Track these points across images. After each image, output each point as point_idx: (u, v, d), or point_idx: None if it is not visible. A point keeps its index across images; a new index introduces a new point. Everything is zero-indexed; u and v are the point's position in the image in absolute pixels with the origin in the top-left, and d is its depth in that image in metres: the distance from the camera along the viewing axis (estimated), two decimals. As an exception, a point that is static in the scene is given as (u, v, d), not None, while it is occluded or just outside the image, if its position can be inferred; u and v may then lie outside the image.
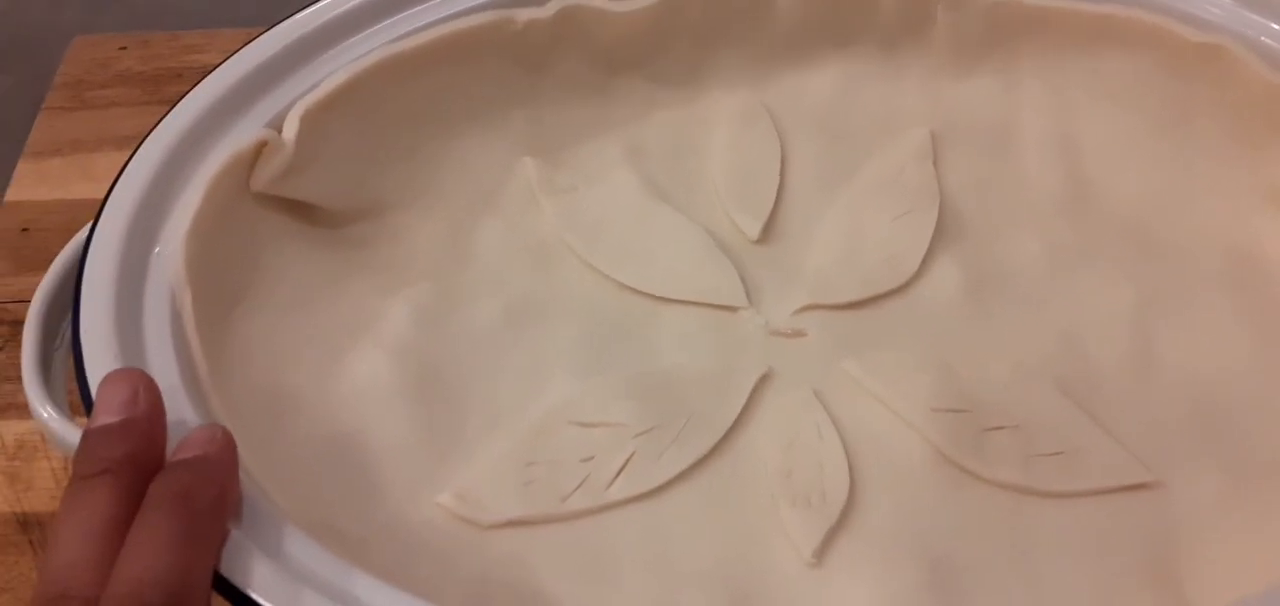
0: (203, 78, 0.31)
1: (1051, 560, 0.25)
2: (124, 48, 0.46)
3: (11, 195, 0.40)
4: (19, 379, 0.28)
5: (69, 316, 0.26)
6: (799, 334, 0.30)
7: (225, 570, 0.21)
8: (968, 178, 0.34)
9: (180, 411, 0.24)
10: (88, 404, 0.23)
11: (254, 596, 0.20)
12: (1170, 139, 0.33)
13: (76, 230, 0.28)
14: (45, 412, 0.25)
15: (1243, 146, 0.32)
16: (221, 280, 0.28)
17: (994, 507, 0.26)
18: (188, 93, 0.30)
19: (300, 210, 0.31)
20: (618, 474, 0.26)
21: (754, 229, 0.32)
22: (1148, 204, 0.33)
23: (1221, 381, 0.29)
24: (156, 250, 0.27)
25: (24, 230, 0.38)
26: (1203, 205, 0.32)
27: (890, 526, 0.26)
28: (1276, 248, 0.31)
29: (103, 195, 0.28)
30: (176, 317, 0.26)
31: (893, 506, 0.26)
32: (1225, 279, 0.31)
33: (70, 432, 0.24)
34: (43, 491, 0.30)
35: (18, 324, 0.33)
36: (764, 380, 0.29)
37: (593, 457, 0.27)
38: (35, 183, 0.40)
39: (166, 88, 0.43)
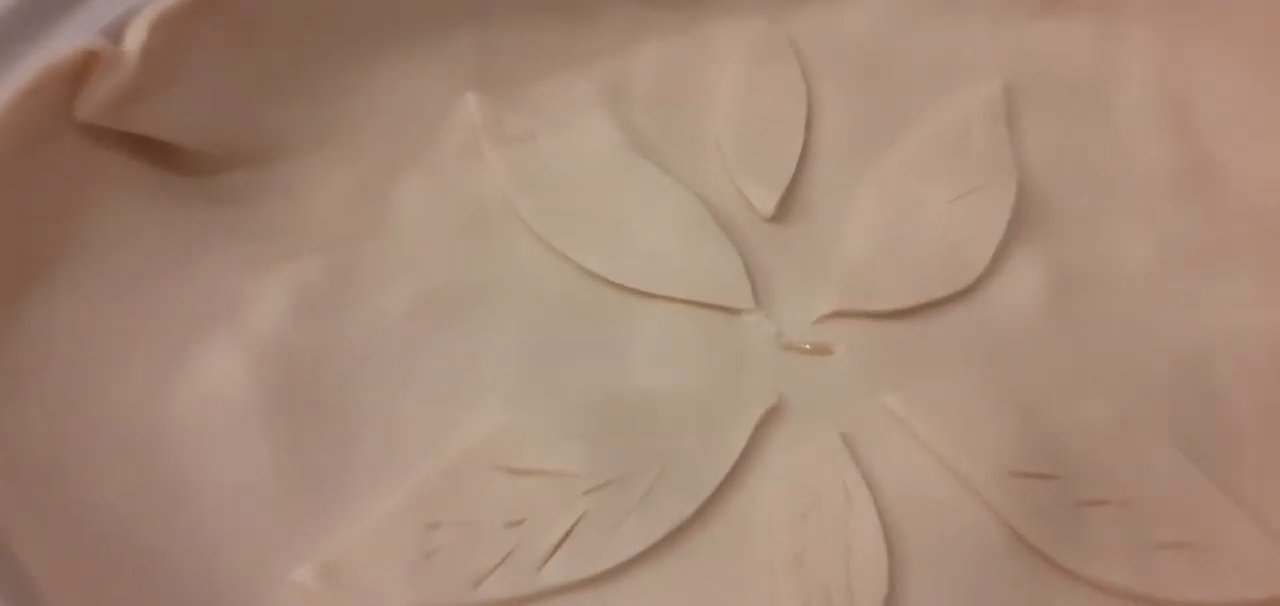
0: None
1: None
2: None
3: None
4: None
5: None
6: (823, 351, 0.23)
7: None
8: (1052, 147, 0.27)
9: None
10: None
11: None
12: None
13: None
14: None
15: None
16: (17, 243, 0.21)
17: None
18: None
19: (146, 150, 0.23)
20: (557, 547, 0.19)
21: (768, 203, 0.25)
22: None
23: None
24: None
25: None
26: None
27: None
28: None
29: None
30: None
31: None
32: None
33: None
34: None
35: None
36: (772, 415, 0.22)
37: (523, 521, 0.20)
38: None
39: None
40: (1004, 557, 0.20)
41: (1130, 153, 0.27)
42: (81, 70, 0.22)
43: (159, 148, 0.23)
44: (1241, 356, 0.23)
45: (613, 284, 0.24)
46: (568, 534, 0.19)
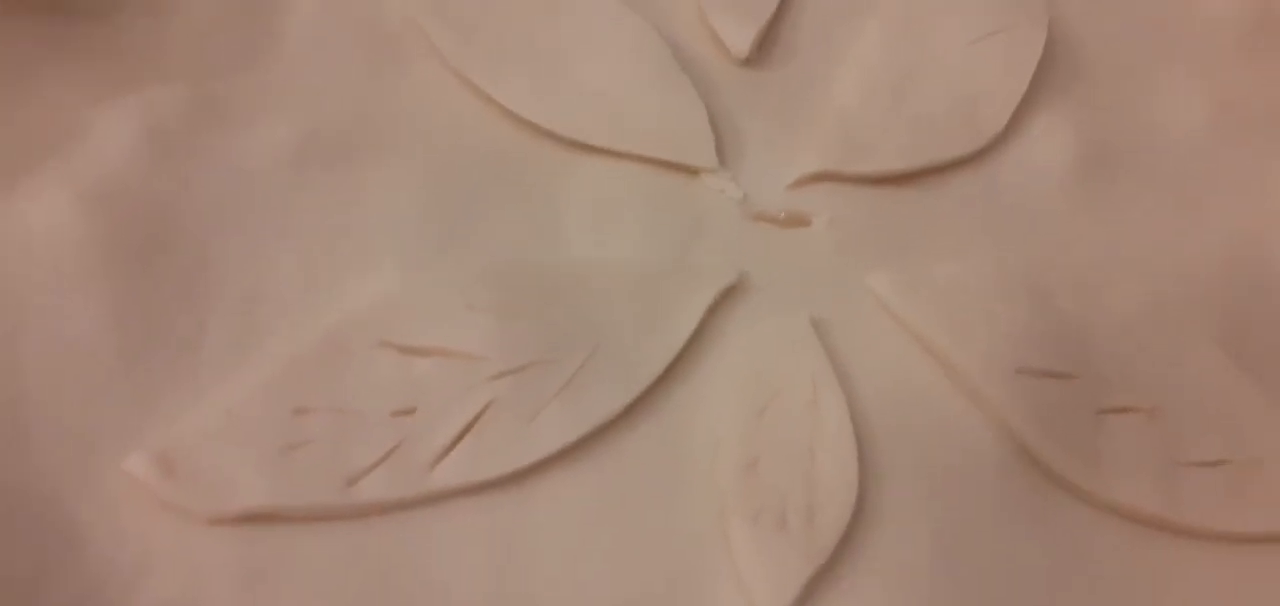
0: None
1: None
2: None
3: None
4: None
5: None
6: (798, 221, 0.20)
7: None
8: None
9: None
10: None
11: None
12: None
13: None
14: None
15: None
16: None
17: (1110, 547, 0.17)
18: None
19: None
20: (454, 442, 0.16)
21: (742, 41, 0.22)
22: None
23: None
24: None
25: None
26: None
27: (926, 576, 0.16)
28: None
29: None
30: None
31: (932, 538, 0.16)
32: None
33: None
34: None
35: None
36: (730, 294, 0.19)
37: (413, 410, 0.17)
38: None
39: None
40: (1002, 472, 0.17)
41: None
42: None
43: None
44: None
45: (543, 130, 0.20)
46: (468, 427, 0.16)
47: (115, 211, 0.18)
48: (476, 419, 0.16)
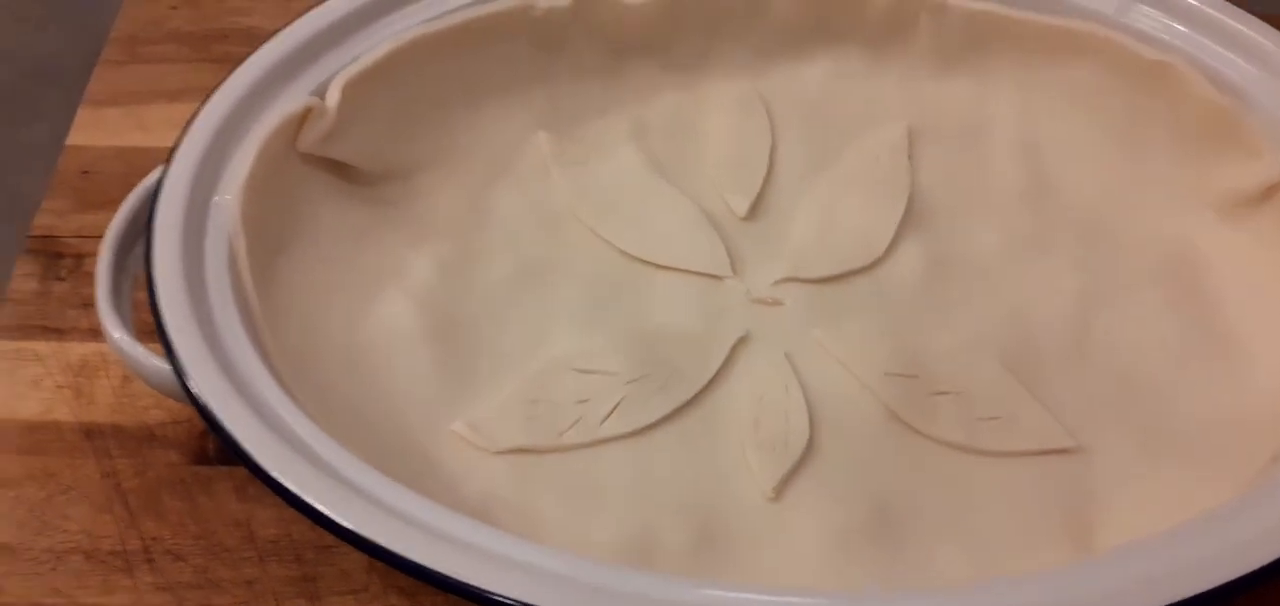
0: (247, 38, 0.34)
1: (983, 509, 0.28)
2: (174, 7, 0.49)
3: (72, 140, 0.43)
4: (81, 306, 0.32)
5: (139, 249, 0.29)
6: (776, 303, 0.33)
7: (269, 469, 0.24)
8: (939, 170, 0.36)
9: (237, 342, 0.28)
10: (160, 328, 0.27)
11: (295, 490, 0.24)
12: (1125, 145, 0.36)
13: (131, 175, 0.32)
14: (118, 335, 0.29)
15: (1189, 156, 0.35)
16: (270, 229, 0.31)
17: (936, 462, 0.29)
18: (243, 60, 0.34)
19: (339, 170, 0.34)
20: (609, 414, 0.29)
21: (743, 206, 0.35)
22: (1101, 203, 0.35)
23: (1148, 365, 0.31)
24: (216, 198, 0.31)
25: (83, 173, 0.41)
26: (1150, 207, 0.35)
27: (842, 473, 0.29)
28: (1209, 247, 0.34)
29: (153, 144, 0.32)
30: (232, 259, 0.30)
31: (846, 456, 0.29)
32: (1162, 274, 0.34)
33: (139, 352, 0.28)
34: (104, 405, 0.33)
35: (79, 257, 0.37)
36: (742, 342, 0.32)
37: (588, 400, 0.30)
38: (93, 129, 0.43)
39: (213, 46, 0.46)
40: (882, 425, 0.29)
41: (993, 176, 0.35)
42: (302, 119, 0.33)
43: (343, 168, 0.34)
44: (1049, 308, 0.33)
45: (638, 259, 0.33)
46: (615, 407, 0.29)
47: (426, 309, 0.32)
48: (618, 404, 0.29)
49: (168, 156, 0.31)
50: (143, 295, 0.29)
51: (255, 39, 0.35)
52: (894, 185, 0.35)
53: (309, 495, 0.24)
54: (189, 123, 0.32)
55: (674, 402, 0.30)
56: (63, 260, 0.38)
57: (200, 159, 0.31)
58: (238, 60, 0.34)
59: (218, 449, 0.31)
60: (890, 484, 0.29)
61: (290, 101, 0.33)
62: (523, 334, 0.32)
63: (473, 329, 0.32)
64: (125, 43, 0.47)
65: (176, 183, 0.30)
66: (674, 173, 0.36)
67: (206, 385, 0.26)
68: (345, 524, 0.24)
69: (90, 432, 0.33)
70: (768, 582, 0.27)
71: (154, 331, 0.28)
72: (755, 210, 0.35)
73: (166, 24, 0.48)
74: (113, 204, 0.31)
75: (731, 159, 0.36)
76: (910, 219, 0.35)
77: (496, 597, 0.22)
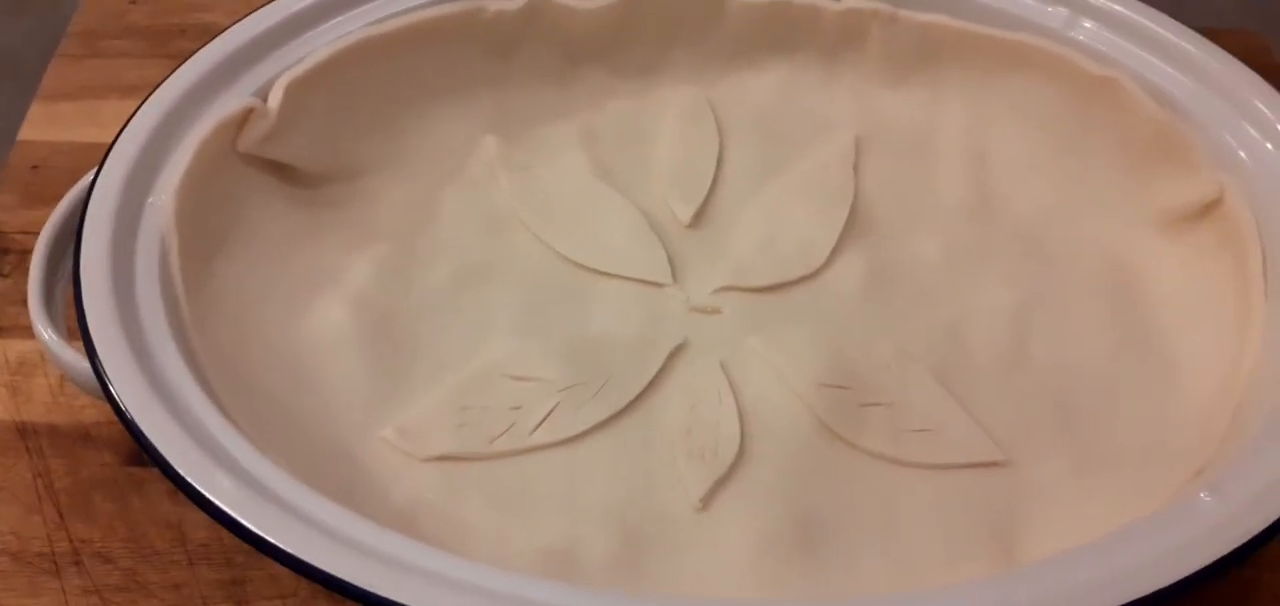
0: (205, 34, 0.34)
1: (908, 520, 0.28)
2: (134, 2, 0.49)
3: (23, 134, 0.43)
4: (22, 303, 0.32)
5: (71, 251, 0.29)
6: (715, 311, 0.33)
7: (198, 485, 0.24)
8: (884, 180, 0.36)
9: (162, 345, 0.27)
10: (83, 328, 0.27)
11: (221, 506, 0.24)
12: (1069, 159, 0.36)
13: (81, 171, 0.31)
14: (47, 335, 0.29)
15: (1131, 171, 0.35)
16: (206, 230, 0.31)
17: (864, 473, 0.29)
18: (188, 57, 0.34)
19: (280, 170, 0.34)
20: (541, 422, 0.30)
21: (687, 214, 0.35)
22: (1043, 216, 0.36)
23: (1082, 379, 0.32)
24: (150, 199, 0.31)
25: (33, 168, 0.41)
26: (1091, 221, 0.35)
27: (770, 482, 0.29)
28: (1148, 263, 0.34)
29: (107, 141, 0.31)
30: (164, 261, 0.30)
31: (775, 465, 0.29)
32: (1100, 288, 0.34)
33: (68, 354, 0.28)
34: (40, 403, 0.33)
35: (24, 253, 0.37)
36: (679, 350, 0.32)
37: (521, 407, 0.30)
38: (46, 124, 0.43)
39: (172, 42, 0.46)
40: (812, 435, 0.30)
41: (937, 186, 0.36)
42: (242, 120, 0.33)
43: (284, 168, 0.34)
44: (986, 320, 0.33)
45: (580, 265, 0.33)
46: (548, 414, 0.29)
47: (363, 312, 0.32)
48: (551, 411, 0.30)
49: (102, 156, 0.31)
50: (77, 294, 0.29)
51: (214, 35, 0.34)
52: (837, 194, 0.36)
53: (224, 502, 0.24)
54: (127, 122, 0.32)
55: (607, 410, 0.30)
56: (7, 256, 0.38)
57: (135, 160, 0.31)
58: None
59: (151, 449, 0.31)
60: (818, 494, 0.29)
61: (233, 101, 0.33)
62: (460, 338, 0.32)
63: (409, 332, 0.32)
64: (84, 36, 0.47)
65: (110, 182, 0.30)
66: (621, 179, 0.36)
67: (126, 387, 0.26)
68: (260, 533, 0.24)
69: (24, 431, 0.33)
70: (691, 593, 0.27)
71: (85, 332, 0.28)
72: (699, 218, 0.35)
73: (126, 18, 0.48)
74: (60, 200, 0.31)
75: (678, 166, 0.36)
76: (853, 229, 0.35)
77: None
